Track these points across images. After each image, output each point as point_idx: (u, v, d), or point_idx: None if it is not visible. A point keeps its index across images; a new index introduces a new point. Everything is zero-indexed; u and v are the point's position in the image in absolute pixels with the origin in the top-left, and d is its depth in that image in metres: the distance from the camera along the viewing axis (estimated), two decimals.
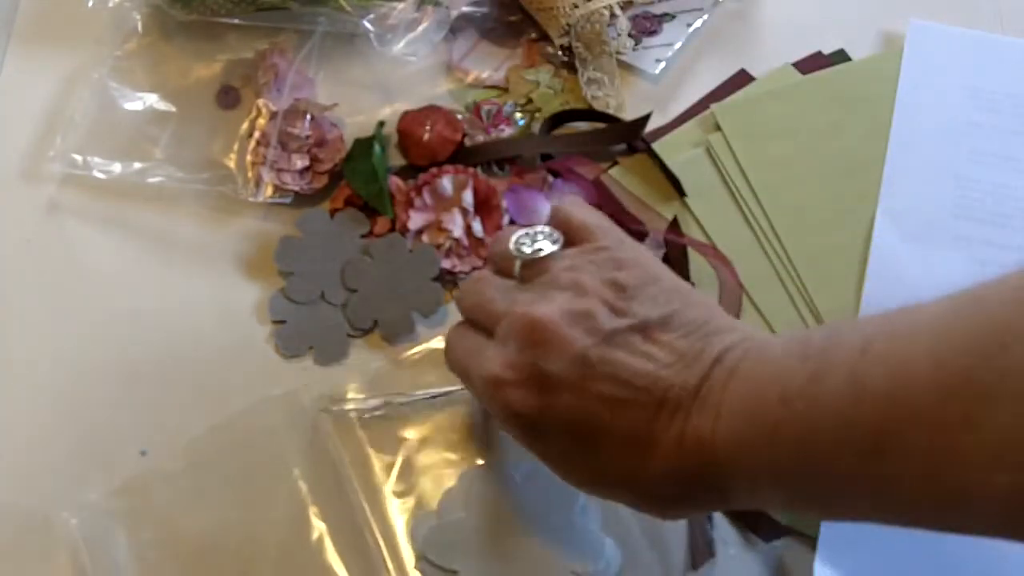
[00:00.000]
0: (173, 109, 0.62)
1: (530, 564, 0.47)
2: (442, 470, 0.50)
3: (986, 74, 0.62)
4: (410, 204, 0.58)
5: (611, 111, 0.62)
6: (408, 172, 0.59)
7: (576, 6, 0.63)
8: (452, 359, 0.45)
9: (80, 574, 0.47)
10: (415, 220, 0.57)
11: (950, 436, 0.31)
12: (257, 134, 0.60)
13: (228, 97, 0.63)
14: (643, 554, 0.48)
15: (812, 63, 0.64)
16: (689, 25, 0.66)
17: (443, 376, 0.46)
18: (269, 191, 0.58)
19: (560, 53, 0.64)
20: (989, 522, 0.32)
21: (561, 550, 0.47)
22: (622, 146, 0.61)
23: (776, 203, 0.58)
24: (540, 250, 0.42)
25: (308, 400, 0.52)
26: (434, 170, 0.58)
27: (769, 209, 0.58)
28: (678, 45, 0.65)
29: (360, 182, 0.58)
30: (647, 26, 0.66)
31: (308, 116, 0.60)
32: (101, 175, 0.60)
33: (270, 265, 0.57)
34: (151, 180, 0.59)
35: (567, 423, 0.39)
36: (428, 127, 0.60)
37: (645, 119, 0.60)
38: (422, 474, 0.50)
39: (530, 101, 0.63)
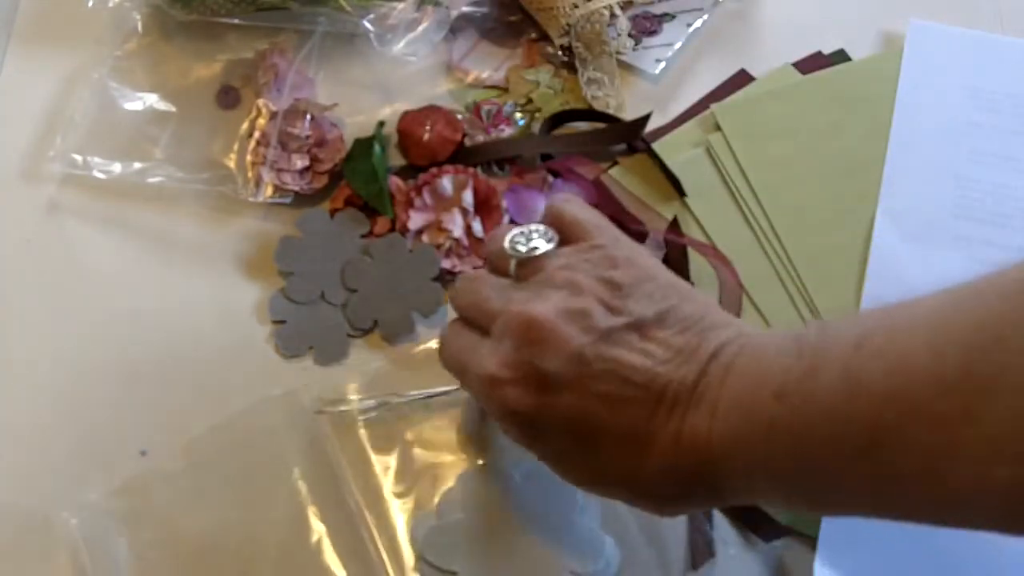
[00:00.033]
0: (173, 109, 0.62)
1: (529, 564, 0.47)
2: (441, 471, 0.50)
3: (986, 74, 0.62)
4: (410, 204, 0.58)
5: (611, 111, 0.62)
6: (408, 172, 0.59)
7: (576, 6, 0.63)
8: (447, 357, 0.45)
9: (80, 574, 0.47)
10: (415, 220, 0.57)
11: (949, 429, 0.31)
12: (257, 134, 0.60)
13: (228, 97, 0.63)
14: (642, 553, 0.48)
15: (812, 63, 0.64)
16: (689, 25, 0.66)
17: (443, 376, 0.46)
18: (269, 191, 0.58)
19: (560, 53, 0.64)
20: (988, 516, 0.32)
21: (560, 550, 0.47)
22: (622, 146, 0.61)
23: (776, 203, 0.58)
24: (535, 249, 0.42)
25: (308, 400, 0.52)
26: (434, 170, 0.58)
27: (769, 209, 0.58)
28: (678, 45, 0.65)
29: (360, 182, 0.58)
30: (647, 26, 0.66)
31: (308, 116, 0.60)
32: (101, 175, 0.60)
33: (270, 265, 0.57)
34: (151, 180, 0.59)
35: (565, 421, 0.39)
36: (428, 127, 0.60)
37: (645, 119, 0.60)
38: (421, 475, 0.50)
39: (530, 101, 0.63)
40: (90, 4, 0.64)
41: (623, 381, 0.38)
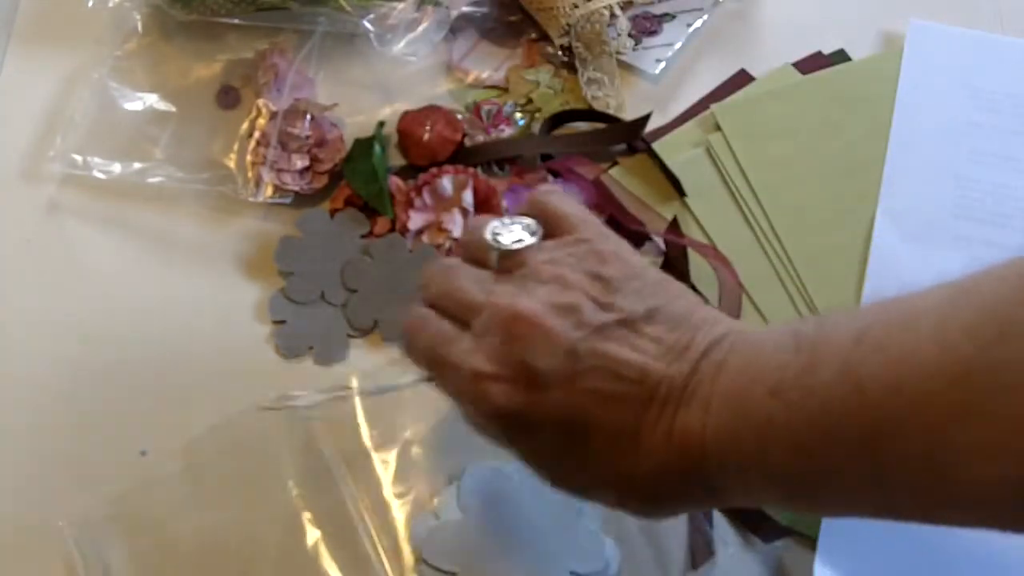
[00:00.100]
0: (173, 109, 0.62)
1: (529, 564, 0.47)
2: (440, 471, 0.50)
3: (986, 74, 0.62)
4: (410, 204, 0.58)
5: (611, 111, 0.62)
6: (408, 172, 0.59)
7: (576, 6, 0.63)
8: (419, 347, 0.42)
9: None
10: (415, 220, 0.57)
11: (954, 424, 0.31)
12: (257, 134, 0.60)
13: (228, 97, 0.63)
14: (642, 553, 0.48)
15: (812, 63, 0.64)
16: (689, 25, 0.66)
17: None
18: (269, 191, 0.58)
19: (560, 53, 0.64)
20: (993, 513, 0.32)
21: (560, 550, 0.47)
22: (622, 146, 0.61)
23: (776, 203, 0.58)
24: (519, 241, 0.41)
25: (305, 402, 0.52)
26: (434, 170, 0.58)
27: (769, 209, 0.58)
28: (678, 45, 0.65)
29: (360, 182, 0.58)
30: (647, 26, 0.66)
31: (308, 116, 0.60)
32: (101, 175, 0.60)
33: (270, 265, 0.57)
34: (151, 180, 0.59)
35: (554, 420, 0.38)
36: (428, 127, 0.60)
37: (645, 119, 0.60)
38: (420, 475, 0.50)
39: (530, 101, 0.63)
40: (90, 4, 0.65)
41: (615, 377, 0.37)
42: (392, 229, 0.57)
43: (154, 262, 0.58)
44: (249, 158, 0.59)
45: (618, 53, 0.64)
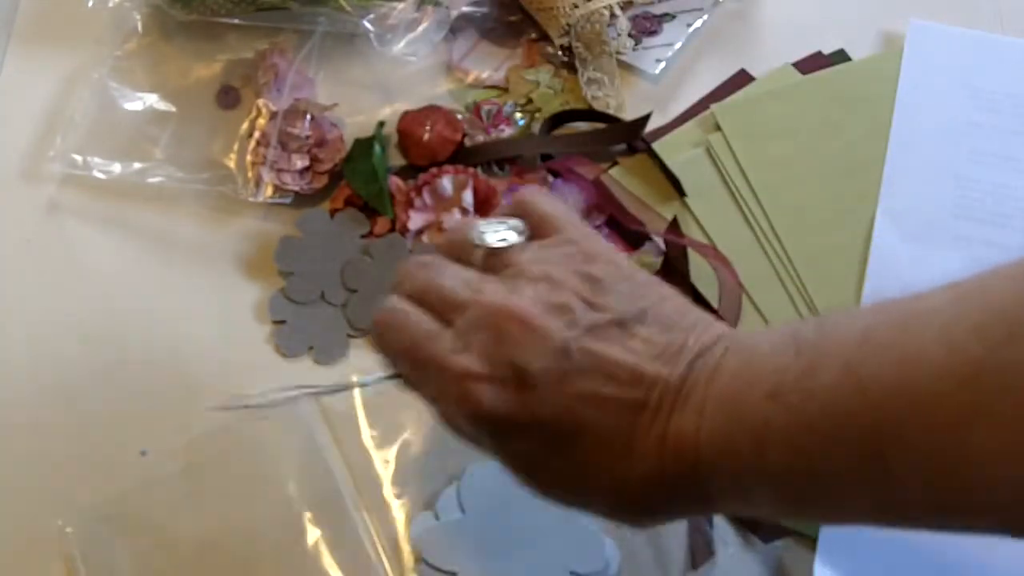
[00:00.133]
0: (173, 109, 0.62)
1: (530, 564, 0.47)
2: (440, 471, 0.50)
3: (986, 74, 0.62)
4: (410, 204, 0.58)
5: (611, 111, 0.62)
6: (408, 172, 0.59)
7: (576, 6, 0.63)
8: (396, 343, 0.40)
9: None
10: (415, 220, 0.57)
11: (962, 426, 0.30)
12: (257, 134, 0.60)
13: (228, 97, 0.63)
14: (642, 553, 0.48)
15: (812, 63, 0.64)
16: (689, 25, 0.66)
17: None
18: (269, 191, 0.58)
19: (560, 53, 0.64)
20: (996, 518, 0.31)
21: (561, 550, 0.47)
22: (622, 146, 0.61)
23: (776, 203, 0.58)
24: (505, 240, 0.40)
25: (304, 403, 0.52)
26: (434, 170, 0.58)
27: (769, 209, 0.58)
28: (678, 45, 0.65)
29: (360, 182, 0.59)
30: (647, 26, 0.66)
31: (308, 116, 0.60)
32: (101, 175, 0.60)
33: (270, 265, 0.57)
34: (151, 180, 0.59)
35: (543, 423, 0.36)
36: (428, 127, 0.60)
37: (645, 119, 0.60)
38: (420, 475, 0.50)
39: (530, 101, 0.63)
40: (90, 4, 0.65)
41: (608, 378, 0.36)
42: (392, 229, 0.57)
43: (154, 262, 0.58)
44: (249, 158, 0.59)
45: (618, 53, 0.64)
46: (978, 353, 0.30)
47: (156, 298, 0.56)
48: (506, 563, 0.47)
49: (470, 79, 0.64)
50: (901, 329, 0.33)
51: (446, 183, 0.57)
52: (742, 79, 0.64)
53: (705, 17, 0.66)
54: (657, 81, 0.64)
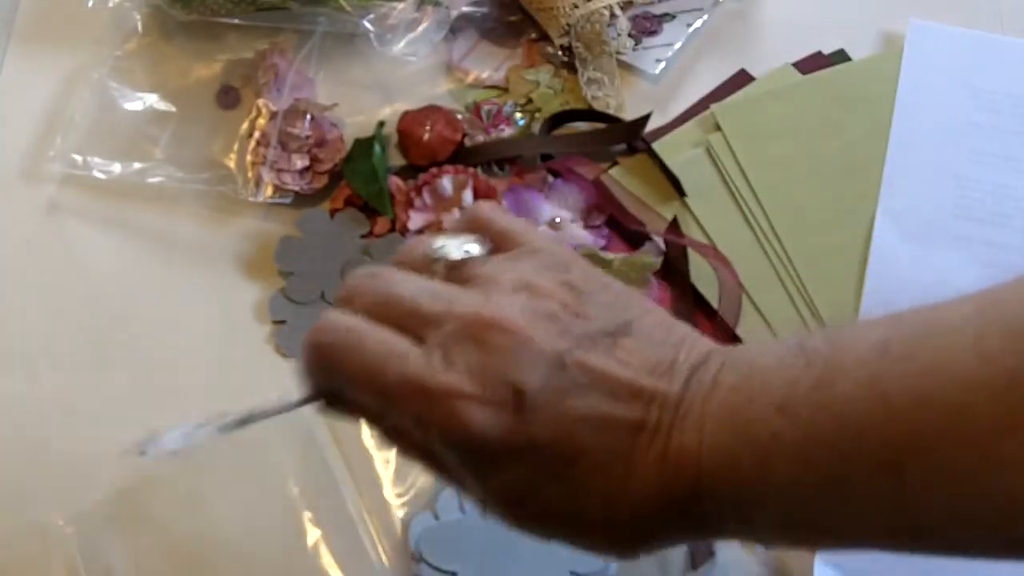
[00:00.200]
0: (173, 109, 0.62)
1: (529, 564, 0.47)
2: None
3: (986, 74, 0.62)
4: (410, 204, 0.58)
5: (611, 111, 0.62)
6: (408, 172, 0.59)
7: (576, 6, 0.63)
8: (350, 363, 0.35)
9: None
10: (415, 220, 0.57)
11: (995, 437, 0.29)
12: (257, 134, 0.60)
13: (228, 97, 0.63)
14: None
15: (812, 63, 0.64)
16: (689, 25, 0.66)
17: None
18: (269, 191, 0.58)
19: (560, 53, 0.64)
20: (1019, 533, 0.30)
21: (561, 550, 0.47)
22: (622, 146, 0.61)
23: (776, 203, 0.58)
24: (468, 252, 0.37)
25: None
26: (434, 170, 0.58)
27: (769, 209, 0.58)
28: (678, 45, 0.65)
29: (360, 182, 0.59)
30: (647, 26, 0.66)
31: (308, 116, 0.60)
32: (101, 175, 0.60)
33: (270, 265, 0.57)
34: (151, 180, 0.59)
35: (539, 447, 0.33)
36: (428, 127, 0.60)
37: (645, 119, 0.60)
38: (420, 475, 0.50)
39: (530, 101, 0.63)
40: (90, 4, 0.65)
41: (607, 395, 0.33)
42: (392, 229, 0.57)
43: (154, 262, 0.58)
44: (249, 158, 0.59)
45: (618, 53, 0.64)
46: (1013, 363, 0.29)
47: (156, 298, 0.56)
48: (506, 563, 0.47)
49: (470, 79, 0.64)
50: (923, 340, 0.31)
51: (446, 183, 0.57)
52: (742, 79, 0.64)
53: (705, 17, 0.66)
54: (657, 81, 0.64)
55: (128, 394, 0.53)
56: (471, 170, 0.58)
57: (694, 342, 0.35)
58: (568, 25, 0.63)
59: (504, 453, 0.33)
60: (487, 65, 0.65)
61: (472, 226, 0.38)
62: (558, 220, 0.57)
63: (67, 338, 0.55)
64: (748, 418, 0.32)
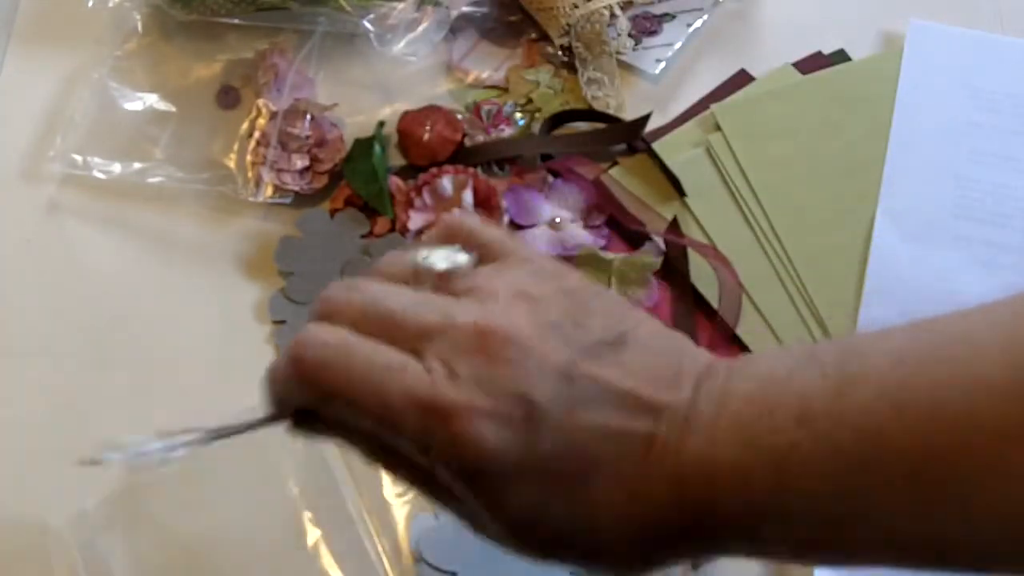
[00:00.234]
0: (173, 109, 0.62)
1: (529, 564, 0.47)
2: None
3: (986, 74, 0.62)
4: (410, 204, 0.58)
5: (611, 111, 0.62)
6: (408, 172, 0.59)
7: (576, 6, 0.63)
8: (339, 379, 0.33)
9: None
10: (415, 220, 0.57)
11: (1018, 449, 0.28)
12: (257, 134, 0.60)
13: (228, 97, 0.63)
14: None
15: (812, 63, 0.64)
16: (689, 25, 0.66)
17: None
18: (269, 191, 0.58)
19: (560, 53, 0.64)
20: None
21: None
22: (622, 146, 0.61)
23: (776, 203, 0.58)
24: (455, 263, 0.35)
25: None
26: (434, 170, 0.58)
27: (769, 209, 0.58)
28: (678, 45, 0.65)
29: (360, 182, 0.59)
30: (647, 26, 0.66)
31: (308, 116, 0.60)
32: (101, 175, 0.60)
33: (270, 265, 0.57)
34: (151, 180, 0.59)
35: (552, 464, 0.31)
36: (428, 127, 0.60)
37: (645, 119, 0.60)
38: None
39: (530, 101, 0.63)
40: (90, 4, 0.65)
41: (616, 407, 0.32)
42: (392, 229, 0.57)
43: (154, 262, 0.58)
44: (249, 158, 0.59)
45: (618, 53, 0.64)
46: None
47: (156, 298, 0.56)
48: (506, 563, 0.47)
49: (470, 79, 0.64)
50: (945, 348, 0.31)
51: (446, 183, 0.57)
52: (742, 79, 0.64)
53: (705, 17, 0.66)
54: (657, 81, 0.64)
55: (128, 394, 0.53)
56: (471, 170, 0.58)
57: (694, 353, 0.34)
58: (568, 25, 0.63)
59: (515, 472, 0.31)
60: (487, 65, 0.65)
61: (451, 238, 0.37)
62: (558, 220, 0.57)
63: (67, 338, 0.55)
64: (764, 430, 0.31)
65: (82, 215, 0.59)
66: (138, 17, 0.64)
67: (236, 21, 0.62)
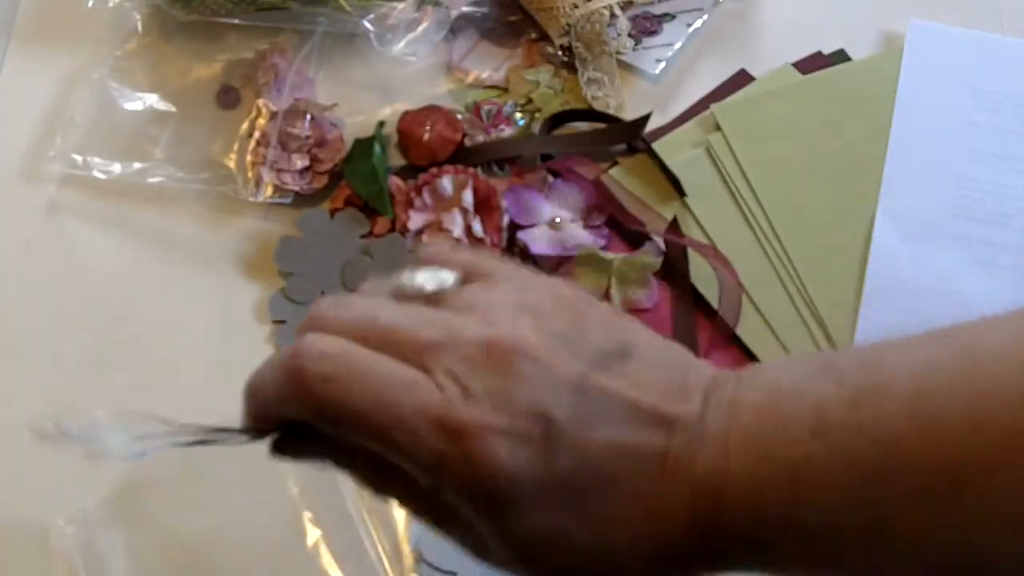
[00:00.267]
0: (173, 109, 0.62)
1: None
2: None
3: (986, 74, 0.62)
4: (410, 204, 0.58)
5: (611, 111, 0.62)
6: (408, 172, 0.59)
7: (576, 6, 0.63)
8: (350, 394, 0.31)
9: None
10: (415, 220, 0.57)
11: None
12: (257, 134, 0.60)
13: (228, 97, 0.63)
14: None
15: (812, 63, 0.64)
16: (689, 25, 0.66)
17: None
18: (269, 191, 0.58)
19: (560, 53, 0.64)
20: None
21: None
22: (622, 146, 0.61)
23: (776, 203, 0.58)
24: (444, 282, 0.33)
25: None
26: (434, 170, 0.58)
27: (769, 209, 0.58)
28: (678, 45, 0.65)
29: (360, 182, 0.59)
30: (647, 26, 0.66)
31: (308, 116, 0.60)
32: (101, 175, 0.60)
33: (270, 265, 0.57)
34: (151, 180, 0.59)
35: (568, 483, 0.30)
36: (428, 127, 0.60)
37: (645, 119, 0.60)
38: None
39: (530, 101, 0.63)
40: (90, 4, 0.65)
41: (628, 421, 0.31)
42: (392, 229, 0.57)
43: (154, 262, 0.58)
44: (249, 158, 0.59)
45: (618, 53, 0.64)
46: None
47: (156, 298, 0.56)
48: None
49: (470, 79, 0.64)
50: (976, 360, 0.30)
51: (446, 183, 0.57)
52: (742, 79, 0.64)
53: (705, 17, 0.66)
54: (657, 81, 0.64)
55: (128, 394, 0.53)
56: (471, 170, 0.58)
57: (696, 363, 0.34)
58: (568, 25, 0.63)
59: (532, 493, 0.30)
60: (487, 65, 0.65)
61: (428, 264, 0.35)
62: (558, 220, 0.57)
63: (67, 338, 0.55)
64: (778, 441, 0.30)
65: (82, 215, 0.59)
66: (138, 17, 0.64)
67: (236, 21, 0.62)
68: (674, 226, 0.57)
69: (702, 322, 0.55)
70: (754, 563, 0.31)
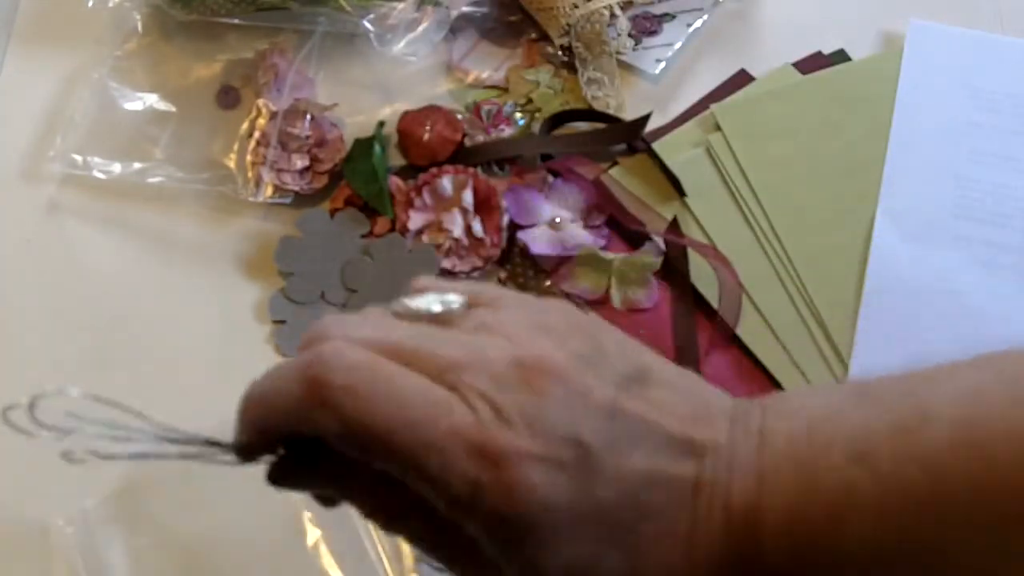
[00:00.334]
0: (173, 109, 0.62)
1: None
2: None
3: (986, 74, 0.62)
4: (410, 204, 0.58)
5: (611, 111, 0.62)
6: (408, 172, 0.59)
7: (576, 6, 0.63)
8: (386, 405, 0.28)
9: None
10: (415, 220, 0.57)
11: None
12: (257, 134, 0.60)
13: (228, 97, 0.63)
14: None
15: (812, 63, 0.64)
16: (689, 25, 0.66)
17: None
18: (269, 191, 0.58)
19: (560, 53, 0.64)
20: None
21: None
22: (622, 146, 0.61)
23: (776, 203, 0.58)
24: (450, 304, 0.32)
25: None
26: (434, 170, 0.58)
27: (769, 209, 0.58)
28: (678, 45, 0.65)
29: (360, 182, 0.59)
30: (647, 26, 0.66)
31: (308, 116, 0.60)
32: (101, 175, 0.60)
33: (270, 265, 0.57)
34: (151, 180, 0.59)
35: (603, 512, 0.28)
36: (428, 127, 0.60)
37: (645, 119, 0.60)
38: None
39: (530, 101, 0.63)
40: (90, 4, 0.65)
41: (660, 448, 0.29)
42: (392, 229, 0.57)
43: (154, 262, 0.58)
44: (249, 158, 0.59)
45: (618, 53, 0.64)
46: None
47: (156, 298, 0.56)
48: None
49: (470, 79, 0.64)
50: (1021, 386, 0.28)
51: (446, 183, 0.57)
52: (742, 79, 0.64)
53: (705, 17, 0.66)
54: (657, 81, 0.64)
55: (128, 394, 0.53)
56: (471, 170, 0.58)
57: (713, 390, 0.32)
58: (568, 25, 0.63)
59: (568, 523, 0.28)
60: (487, 65, 0.65)
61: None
62: (558, 220, 0.57)
63: (67, 338, 0.55)
64: (816, 469, 0.29)
65: (82, 215, 0.59)
66: (138, 17, 0.64)
67: (236, 21, 0.62)
68: (674, 226, 0.57)
69: (702, 322, 0.55)
70: None
